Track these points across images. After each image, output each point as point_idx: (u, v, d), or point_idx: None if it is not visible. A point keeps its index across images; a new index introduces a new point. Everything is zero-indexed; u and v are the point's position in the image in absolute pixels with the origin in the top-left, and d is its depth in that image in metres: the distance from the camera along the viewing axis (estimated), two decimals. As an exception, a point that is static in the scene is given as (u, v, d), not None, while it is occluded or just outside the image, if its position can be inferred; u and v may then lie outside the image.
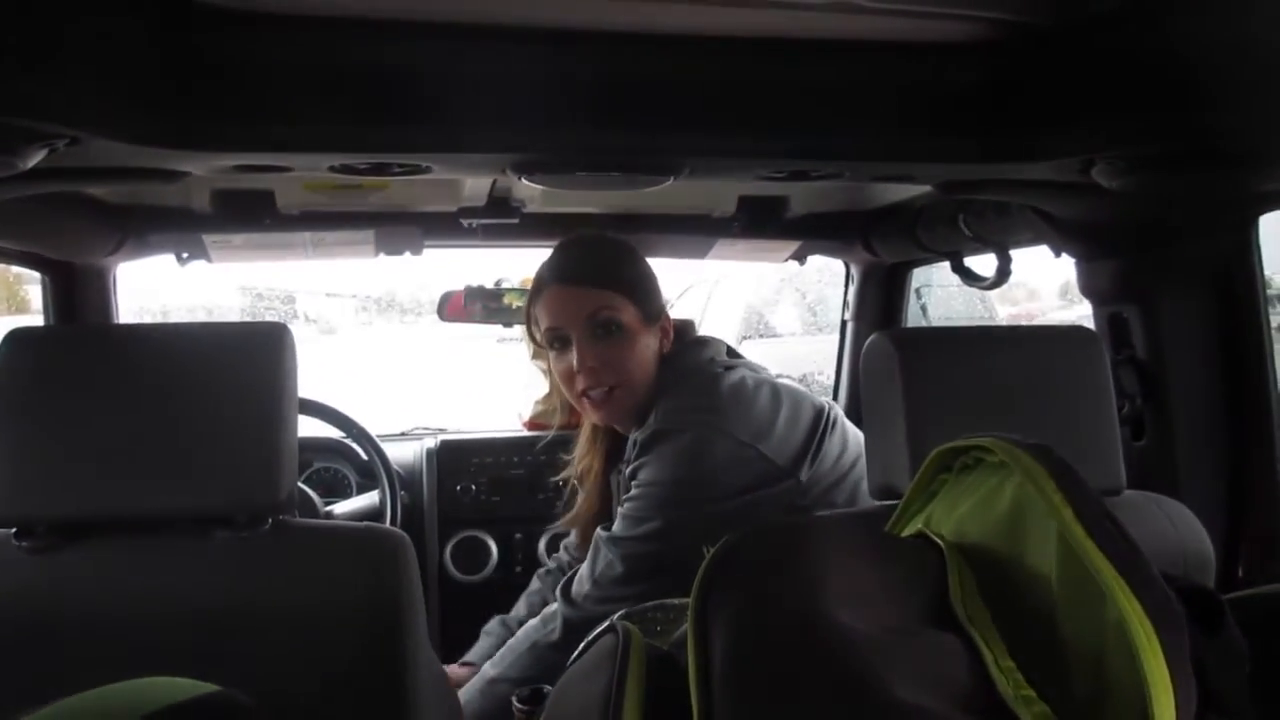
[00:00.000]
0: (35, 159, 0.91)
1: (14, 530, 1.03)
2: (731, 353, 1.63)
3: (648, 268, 1.59)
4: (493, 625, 1.79)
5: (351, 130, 1.01)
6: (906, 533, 0.69)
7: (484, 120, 1.02)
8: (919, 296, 5.26)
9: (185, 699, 0.59)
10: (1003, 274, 1.69)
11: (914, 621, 0.54)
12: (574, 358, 1.51)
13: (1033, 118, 1.07)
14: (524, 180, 1.14)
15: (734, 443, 1.44)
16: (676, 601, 0.80)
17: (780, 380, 1.59)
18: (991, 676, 0.51)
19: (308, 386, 1.28)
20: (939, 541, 0.62)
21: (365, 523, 1.15)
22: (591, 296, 1.51)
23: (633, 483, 1.49)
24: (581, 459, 1.72)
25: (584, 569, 1.51)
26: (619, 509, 1.52)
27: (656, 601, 0.81)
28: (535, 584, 1.86)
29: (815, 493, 1.48)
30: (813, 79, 1.05)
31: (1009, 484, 0.60)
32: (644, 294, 1.54)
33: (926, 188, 1.57)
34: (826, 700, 0.48)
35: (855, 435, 1.56)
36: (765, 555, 0.57)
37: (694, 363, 1.55)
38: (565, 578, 1.55)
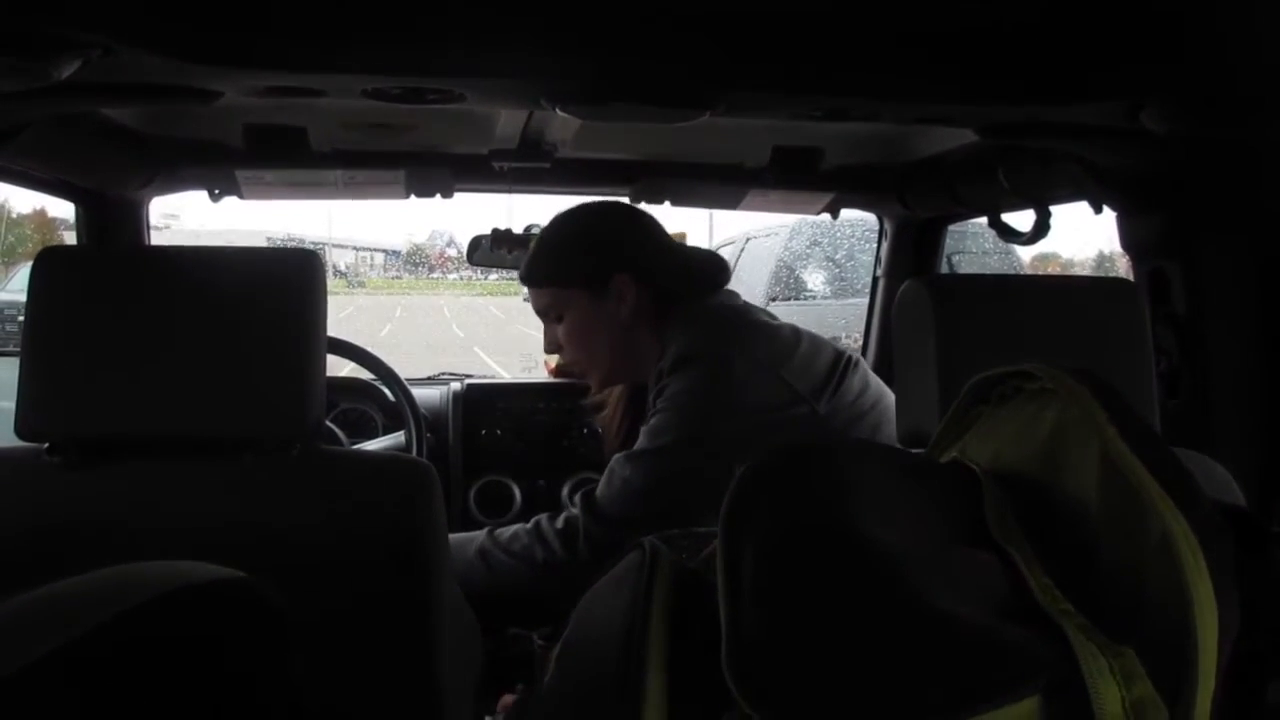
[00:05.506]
0: (68, 69, 0.90)
1: (46, 446, 1.04)
2: (748, 307, 1.64)
3: (573, 239, 1.61)
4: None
5: (384, 51, 1.00)
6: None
7: (518, 44, 1.00)
8: (950, 263, 5.21)
9: (211, 578, 0.59)
10: (1041, 228, 1.65)
11: (949, 539, 0.53)
12: None
13: (1080, 57, 1.03)
14: (558, 110, 1.13)
15: (753, 362, 1.47)
16: (703, 530, 0.79)
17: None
18: (1030, 588, 0.50)
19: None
20: (974, 468, 0.61)
21: (391, 452, 1.15)
22: (535, 295, 1.64)
23: (656, 403, 1.50)
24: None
25: (600, 488, 1.49)
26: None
27: (683, 530, 0.80)
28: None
29: (834, 425, 1.49)
30: (853, 13, 1.03)
31: (1049, 411, 0.59)
32: (578, 272, 1.57)
33: (964, 139, 1.53)
34: (861, 611, 0.47)
35: (876, 380, 1.59)
36: (798, 472, 0.56)
37: (703, 309, 1.57)
38: (585, 490, 1.52)
